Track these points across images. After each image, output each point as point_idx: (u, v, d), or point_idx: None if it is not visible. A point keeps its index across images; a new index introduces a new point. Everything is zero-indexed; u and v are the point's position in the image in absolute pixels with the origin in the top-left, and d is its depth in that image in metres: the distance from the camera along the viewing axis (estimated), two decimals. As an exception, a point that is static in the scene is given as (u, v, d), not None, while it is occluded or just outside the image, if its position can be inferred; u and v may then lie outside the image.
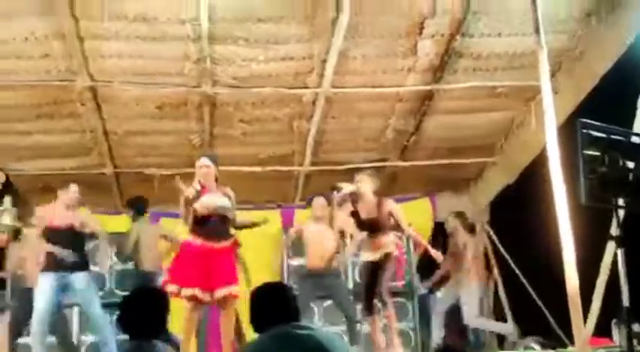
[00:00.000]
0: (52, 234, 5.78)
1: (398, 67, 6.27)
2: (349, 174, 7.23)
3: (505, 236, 7.75)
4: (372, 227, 5.83)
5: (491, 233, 7.94)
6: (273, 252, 7.60)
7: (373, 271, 5.80)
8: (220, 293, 5.15)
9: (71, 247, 5.78)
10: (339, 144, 7.25)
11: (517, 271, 7.46)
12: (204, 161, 5.44)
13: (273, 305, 2.92)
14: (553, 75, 5.37)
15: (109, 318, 6.06)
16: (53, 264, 5.73)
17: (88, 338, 7.00)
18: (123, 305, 3.14)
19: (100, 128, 6.61)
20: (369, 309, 5.79)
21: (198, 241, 5.21)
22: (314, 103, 6.55)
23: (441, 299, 7.21)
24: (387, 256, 5.76)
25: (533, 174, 6.72)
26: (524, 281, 7.35)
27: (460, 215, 7.07)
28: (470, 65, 6.27)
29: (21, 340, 6.35)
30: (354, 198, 5.95)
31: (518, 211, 7.13)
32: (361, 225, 5.89)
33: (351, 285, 7.45)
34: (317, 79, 6.25)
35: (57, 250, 5.69)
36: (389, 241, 5.83)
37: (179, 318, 4.99)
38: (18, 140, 6.67)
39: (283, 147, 7.25)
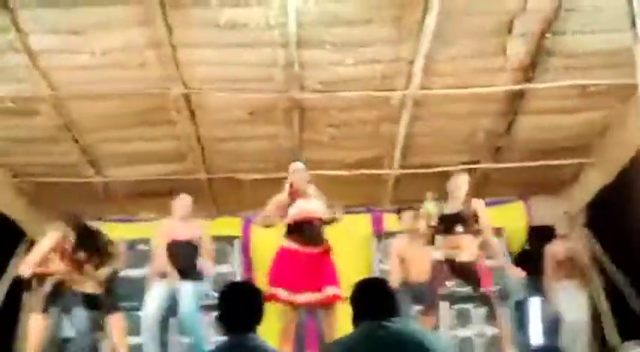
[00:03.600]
0: (172, 247, 6.08)
1: (487, 66, 6.16)
2: (440, 177, 7.22)
3: (604, 238, 7.47)
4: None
5: (590, 235, 7.67)
6: (364, 257, 7.64)
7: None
8: (327, 292, 5.26)
9: (188, 259, 6.07)
10: (428, 146, 7.18)
11: (617, 274, 7.19)
12: (297, 165, 5.57)
13: (368, 299, 2.95)
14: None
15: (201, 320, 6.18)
16: (165, 274, 6.01)
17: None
18: (221, 299, 3.15)
19: (193, 135, 6.79)
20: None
21: (296, 246, 5.30)
22: (402, 106, 6.51)
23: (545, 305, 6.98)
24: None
25: (632, 174, 6.46)
26: (623, 284, 7.07)
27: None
28: (562, 64, 6.08)
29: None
30: None
31: (618, 212, 6.86)
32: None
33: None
34: (405, 82, 6.22)
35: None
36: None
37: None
38: (116, 147, 6.95)
39: (372, 150, 7.24)
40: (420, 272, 6.17)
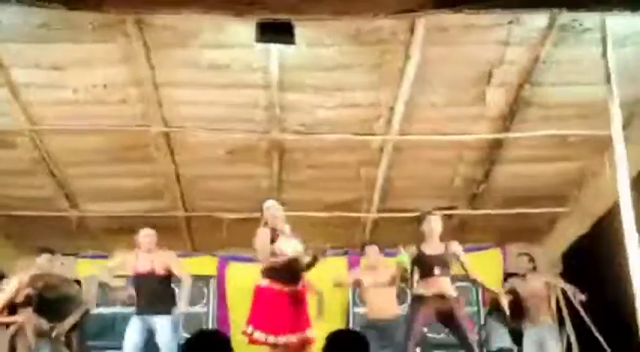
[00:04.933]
0: (137, 281, 6.04)
1: (466, 114, 6.24)
2: (417, 222, 7.23)
3: (579, 287, 7.48)
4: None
5: (564, 285, 7.68)
6: (339, 299, 7.60)
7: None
8: (307, 334, 5.20)
9: (155, 292, 5.96)
10: (406, 191, 7.21)
11: (590, 324, 7.19)
12: (270, 203, 5.54)
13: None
14: (626, 125, 5.22)
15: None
16: (137, 307, 5.97)
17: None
18: (185, 348, 3.12)
19: (172, 172, 6.79)
20: None
21: (275, 285, 5.26)
22: (381, 150, 6.56)
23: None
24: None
25: (608, 225, 6.49)
26: (596, 334, 7.07)
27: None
28: (540, 114, 6.18)
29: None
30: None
31: (593, 262, 6.89)
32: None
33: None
34: (385, 126, 6.28)
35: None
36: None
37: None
38: (94, 182, 6.91)
39: (351, 193, 7.25)
40: (383, 308, 6.21)
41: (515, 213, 7.37)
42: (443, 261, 5.66)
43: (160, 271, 6.03)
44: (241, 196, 7.13)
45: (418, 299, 5.62)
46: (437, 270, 5.63)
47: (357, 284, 6.55)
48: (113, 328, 7.23)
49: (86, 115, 6.03)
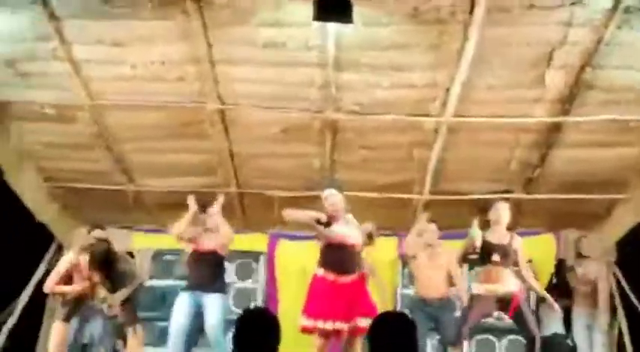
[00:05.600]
0: (196, 258, 6.09)
1: (524, 97, 6.12)
2: (469, 205, 7.16)
3: (633, 276, 7.35)
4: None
5: (618, 273, 7.54)
6: (388, 281, 7.59)
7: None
8: (358, 323, 5.16)
9: (210, 271, 6.03)
10: (460, 173, 7.13)
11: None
12: (329, 192, 5.51)
13: (388, 336, 2.87)
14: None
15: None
16: (191, 284, 6.01)
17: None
18: (238, 326, 3.11)
19: (226, 149, 6.84)
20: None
21: (331, 276, 5.25)
22: (436, 132, 6.49)
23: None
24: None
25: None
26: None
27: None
28: (600, 97, 6.03)
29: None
30: None
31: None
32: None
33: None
34: (440, 108, 6.20)
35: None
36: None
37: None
38: (150, 158, 7.01)
39: (403, 174, 7.20)
40: (433, 287, 6.20)
41: (570, 199, 7.23)
42: (504, 251, 5.64)
43: (219, 250, 6.10)
44: (293, 175, 7.16)
45: (476, 297, 5.72)
46: (495, 257, 5.62)
47: (413, 257, 6.46)
48: (164, 301, 7.34)
49: (144, 92, 6.10)
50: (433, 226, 6.41)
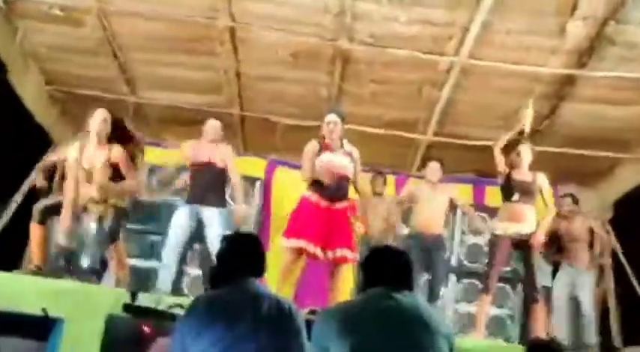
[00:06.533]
0: (196, 169, 5.87)
1: (542, 46, 5.99)
2: (470, 150, 7.11)
3: (626, 237, 7.36)
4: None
5: (611, 232, 7.54)
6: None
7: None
8: (338, 253, 5.16)
9: (210, 184, 5.83)
10: (467, 117, 7.05)
11: (631, 276, 7.10)
12: (332, 117, 5.37)
13: (383, 266, 2.82)
14: None
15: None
16: (190, 197, 5.85)
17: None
18: (224, 245, 3.01)
19: (233, 69, 6.71)
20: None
21: (315, 198, 5.23)
22: (448, 72, 6.37)
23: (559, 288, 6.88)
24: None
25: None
26: (637, 285, 6.99)
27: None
28: (620, 53, 5.89)
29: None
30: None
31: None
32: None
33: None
34: (455, 48, 6.07)
35: None
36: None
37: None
38: (155, 70, 6.88)
39: (409, 112, 7.12)
40: (430, 224, 6.17)
41: (575, 154, 7.17)
42: (526, 189, 5.68)
43: (219, 164, 5.87)
44: (299, 102, 7.06)
45: (497, 238, 5.72)
46: (516, 196, 5.64)
47: (411, 199, 6.42)
48: (158, 215, 7.32)
49: (156, 1, 5.93)
50: (436, 164, 6.32)
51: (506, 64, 6.15)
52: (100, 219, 5.44)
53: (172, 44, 6.42)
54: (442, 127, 7.21)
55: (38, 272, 4.96)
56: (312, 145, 5.30)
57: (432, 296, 6.11)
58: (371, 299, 2.70)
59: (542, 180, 5.78)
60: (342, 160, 5.34)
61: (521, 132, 5.92)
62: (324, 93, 6.88)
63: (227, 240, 3.01)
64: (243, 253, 2.92)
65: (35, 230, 5.36)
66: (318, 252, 5.12)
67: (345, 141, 5.41)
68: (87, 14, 6.15)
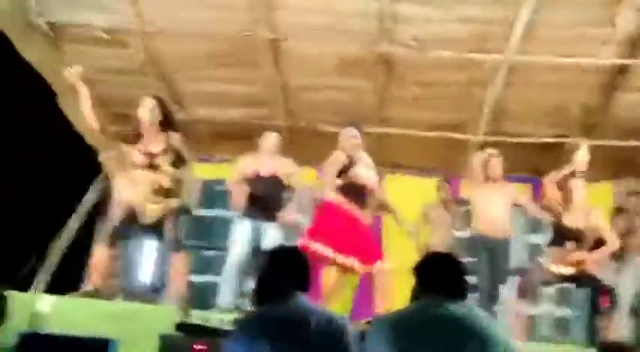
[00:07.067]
0: (255, 183, 5.80)
1: (591, 37, 5.82)
2: (524, 148, 6.94)
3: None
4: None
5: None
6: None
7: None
8: (376, 267, 5.15)
9: (271, 197, 5.77)
10: (517, 115, 6.88)
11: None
12: (352, 132, 5.42)
13: (438, 274, 2.73)
14: None
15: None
16: (250, 211, 5.75)
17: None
18: (268, 260, 2.95)
19: (277, 81, 6.71)
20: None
21: (343, 202, 5.19)
22: (495, 70, 6.23)
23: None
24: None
25: None
26: None
27: None
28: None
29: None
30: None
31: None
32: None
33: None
34: (501, 46, 5.94)
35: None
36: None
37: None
38: (201, 87, 6.93)
39: (457, 114, 7.00)
40: (494, 225, 5.88)
41: (631, 146, 6.92)
42: (579, 236, 5.50)
43: (281, 177, 5.83)
44: (345, 110, 6.98)
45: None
46: (569, 245, 5.49)
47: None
48: (211, 230, 7.37)
49: (196, 19, 5.96)
50: (499, 160, 6.01)
51: (554, 57, 5.99)
52: (159, 228, 5.39)
53: (215, 60, 6.46)
54: (493, 127, 7.04)
55: (92, 293, 4.98)
56: (340, 156, 5.29)
57: (492, 299, 5.95)
58: (424, 309, 2.63)
59: (595, 218, 5.53)
60: (370, 173, 5.40)
61: (573, 173, 5.68)
62: (369, 99, 6.81)
63: (271, 255, 2.97)
64: (289, 268, 2.87)
65: (99, 252, 5.32)
66: (357, 265, 5.09)
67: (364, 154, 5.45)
68: (130, 36, 6.25)
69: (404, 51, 6.11)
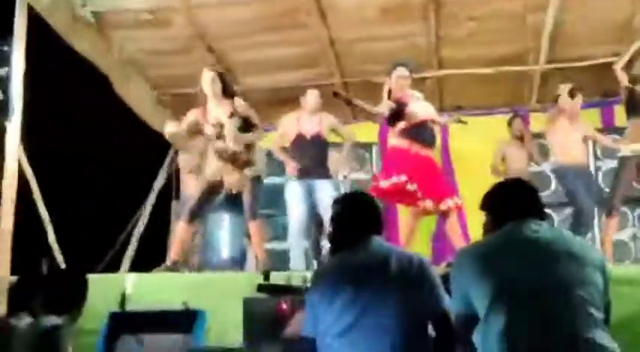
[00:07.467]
0: (300, 143, 5.87)
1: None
2: (591, 70, 6.65)
3: None
4: None
5: None
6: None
7: None
8: (446, 204, 5.12)
9: (319, 155, 5.83)
10: (579, 37, 6.54)
11: None
12: (403, 72, 5.41)
13: (513, 199, 2.60)
14: None
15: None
16: (299, 172, 5.81)
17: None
18: (340, 206, 2.91)
19: (325, 38, 6.58)
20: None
21: (410, 145, 5.14)
22: (549, -7, 5.95)
23: None
24: None
25: None
26: None
27: None
28: None
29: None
30: None
31: None
32: None
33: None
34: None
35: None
36: None
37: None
38: (250, 55, 6.86)
39: (516, 44, 6.73)
40: (575, 155, 5.79)
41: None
42: None
43: (326, 133, 5.89)
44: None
45: (623, 160, 5.48)
46: None
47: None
48: (282, 197, 7.35)
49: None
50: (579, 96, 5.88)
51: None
52: (237, 199, 5.42)
53: (261, 25, 6.35)
54: (554, 53, 6.75)
55: (172, 268, 5.05)
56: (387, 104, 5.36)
57: (587, 227, 5.77)
58: (510, 234, 2.48)
59: None
60: (426, 106, 5.46)
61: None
62: (423, 42, 6.63)
63: (341, 202, 2.91)
64: (361, 212, 2.81)
65: (180, 228, 5.37)
66: (431, 206, 5.08)
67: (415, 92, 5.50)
68: (173, 12, 6.21)
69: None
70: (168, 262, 5.18)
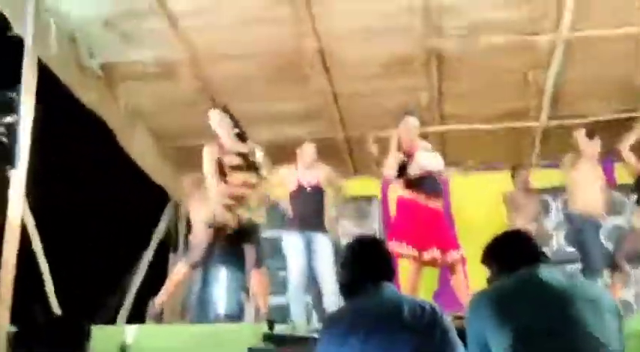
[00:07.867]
0: (298, 195, 5.83)
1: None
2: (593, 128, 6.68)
3: None
4: None
5: None
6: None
7: None
8: (452, 256, 5.15)
9: (317, 208, 5.78)
10: (580, 94, 6.64)
11: None
12: (414, 122, 5.56)
13: (517, 247, 2.61)
14: None
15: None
16: (297, 224, 5.76)
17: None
18: (353, 251, 2.84)
19: (329, 91, 6.65)
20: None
21: (420, 199, 5.18)
22: (551, 50, 6.03)
23: None
24: None
25: None
26: None
27: None
28: None
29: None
30: None
31: None
32: None
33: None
34: (553, 23, 5.75)
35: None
36: None
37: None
38: (254, 107, 6.84)
39: (517, 101, 6.81)
40: (590, 204, 5.75)
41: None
42: None
43: (323, 186, 5.87)
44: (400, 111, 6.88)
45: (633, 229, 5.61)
46: None
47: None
48: (280, 250, 7.29)
49: (241, 40, 5.94)
50: (598, 142, 5.97)
51: (611, 29, 5.76)
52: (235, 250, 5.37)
53: (265, 79, 6.42)
54: (556, 110, 6.83)
55: (161, 318, 4.96)
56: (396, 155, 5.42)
57: (597, 274, 5.71)
58: (525, 278, 2.46)
59: None
60: (434, 158, 5.55)
61: None
62: (425, 97, 6.69)
63: (353, 246, 2.88)
64: (373, 257, 2.78)
65: (183, 273, 5.25)
66: (429, 256, 5.12)
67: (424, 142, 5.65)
68: (180, 66, 6.28)
69: (454, 42, 5.97)
70: (156, 305, 5.04)
